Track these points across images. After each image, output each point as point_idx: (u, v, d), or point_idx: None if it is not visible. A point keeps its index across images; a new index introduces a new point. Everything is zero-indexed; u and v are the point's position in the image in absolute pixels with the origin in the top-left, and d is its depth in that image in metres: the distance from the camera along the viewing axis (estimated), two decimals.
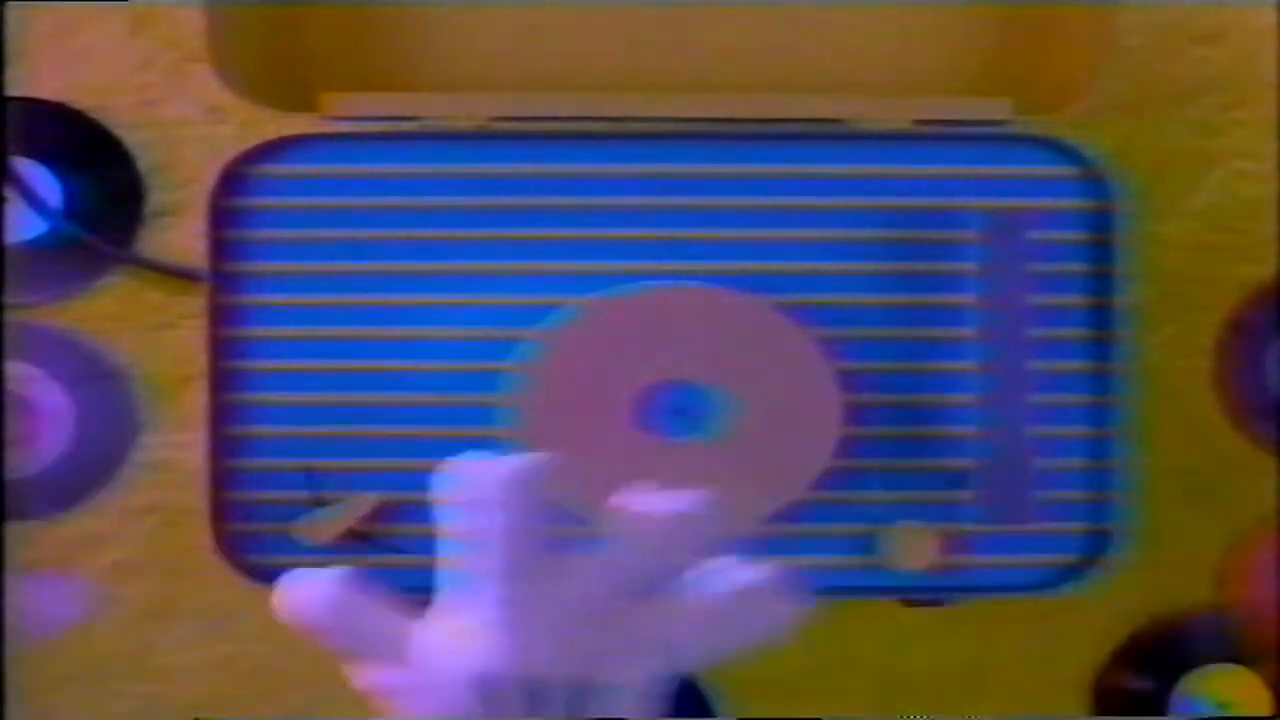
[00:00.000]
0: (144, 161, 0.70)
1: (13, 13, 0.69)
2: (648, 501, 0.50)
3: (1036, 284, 0.62)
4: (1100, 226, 0.63)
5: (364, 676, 0.50)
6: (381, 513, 0.62)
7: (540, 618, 0.48)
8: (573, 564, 0.49)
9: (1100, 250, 0.63)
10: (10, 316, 0.70)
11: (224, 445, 0.62)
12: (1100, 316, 0.63)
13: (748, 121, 0.63)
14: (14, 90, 0.70)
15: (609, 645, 0.48)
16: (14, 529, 0.70)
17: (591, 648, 0.48)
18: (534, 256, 0.62)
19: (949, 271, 0.62)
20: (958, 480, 0.62)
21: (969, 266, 0.62)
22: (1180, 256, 0.71)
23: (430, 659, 0.48)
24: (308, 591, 0.50)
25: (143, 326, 0.70)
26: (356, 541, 0.62)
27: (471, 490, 0.49)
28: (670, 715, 0.70)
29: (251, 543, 0.62)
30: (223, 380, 0.62)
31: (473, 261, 0.62)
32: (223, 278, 0.62)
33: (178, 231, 0.70)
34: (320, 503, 0.62)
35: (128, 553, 0.70)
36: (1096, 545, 0.63)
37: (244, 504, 0.62)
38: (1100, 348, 0.63)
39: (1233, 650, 0.71)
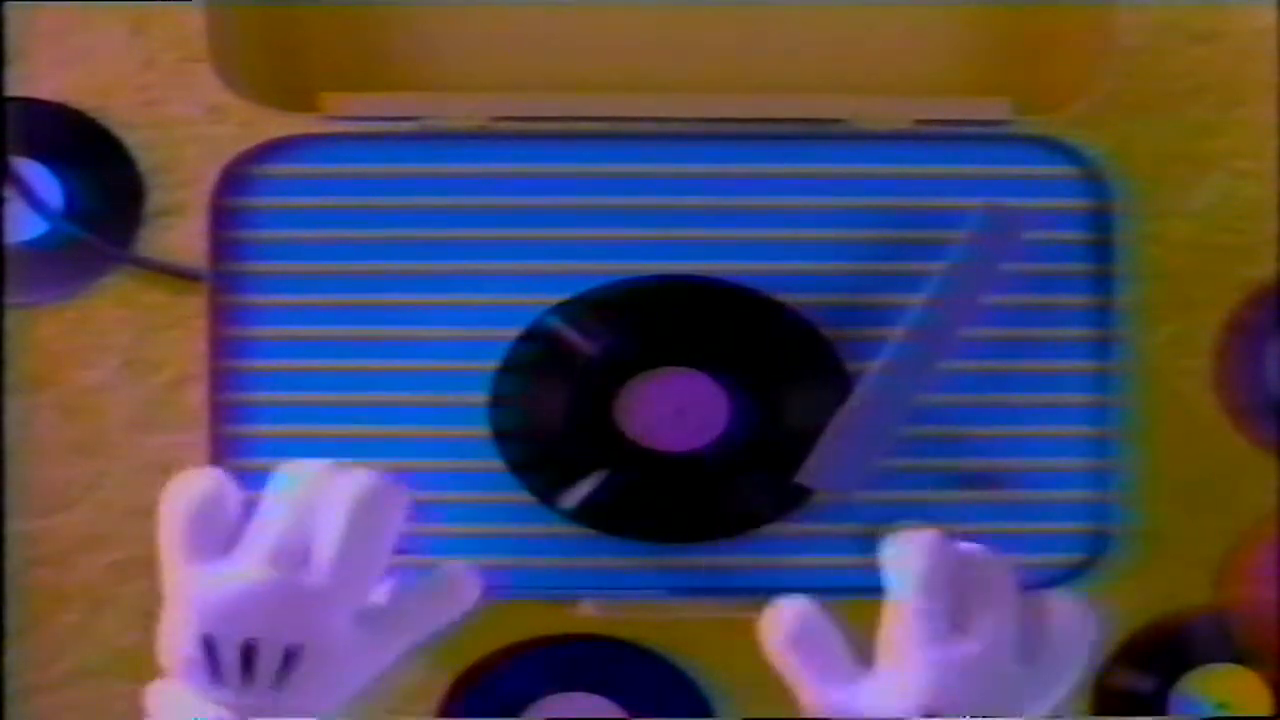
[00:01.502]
0: (144, 161, 0.70)
1: (13, 13, 0.69)
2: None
3: (1001, 283, 0.62)
4: (1100, 226, 0.63)
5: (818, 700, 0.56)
6: None
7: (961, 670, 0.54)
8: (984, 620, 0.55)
9: (1100, 250, 0.63)
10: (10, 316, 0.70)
11: (224, 445, 0.62)
12: (1100, 316, 0.63)
13: (748, 121, 0.63)
14: (14, 90, 0.70)
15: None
16: (14, 528, 0.70)
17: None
18: (533, 257, 0.62)
19: None
20: (958, 480, 0.62)
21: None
22: (1180, 256, 0.71)
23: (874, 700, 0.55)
24: (782, 616, 0.57)
25: (143, 326, 0.70)
26: None
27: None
28: (670, 716, 0.70)
29: None
30: (223, 380, 0.62)
31: (472, 262, 0.62)
32: (223, 278, 0.62)
33: (178, 231, 0.70)
34: None
35: (128, 553, 0.70)
36: (1096, 545, 0.63)
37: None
38: (1100, 348, 0.63)
39: (1233, 650, 0.71)
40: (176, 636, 0.53)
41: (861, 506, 0.62)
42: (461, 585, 0.58)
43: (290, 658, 0.52)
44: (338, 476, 0.55)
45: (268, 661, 0.52)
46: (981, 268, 0.61)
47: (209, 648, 0.52)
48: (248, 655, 0.51)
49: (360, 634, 0.54)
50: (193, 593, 0.53)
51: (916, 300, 0.61)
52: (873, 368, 0.61)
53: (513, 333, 0.62)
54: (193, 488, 0.55)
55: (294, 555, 0.53)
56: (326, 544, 0.53)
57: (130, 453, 0.70)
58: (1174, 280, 0.70)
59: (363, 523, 0.53)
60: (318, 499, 0.54)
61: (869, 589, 0.62)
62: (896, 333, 0.61)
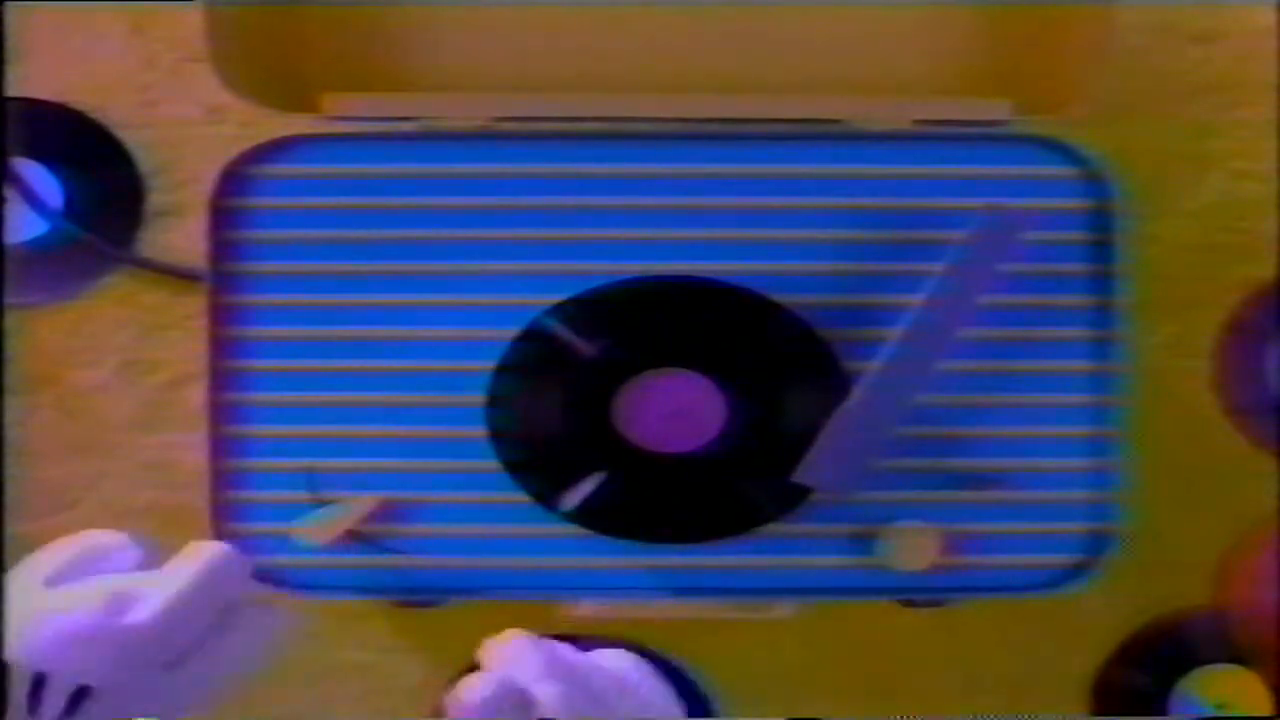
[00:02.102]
0: (144, 161, 0.70)
1: (13, 13, 0.69)
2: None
3: (999, 284, 0.62)
4: (1100, 226, 0.63)
5: None
6: (381, 513, 0.62)
7: None
8: None
9: (1100, 250, 0.63)
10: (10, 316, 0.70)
11: (224, 445, 0.62)
12: (1100, 316, 0.63)
13: (748, 121, 0.63)
14: (14, 90, 0.70)
15: None
16: (14, 529, 0.70)
17: None
18: (534, 257, 0.62)
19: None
20: (958, 480, 0.62)
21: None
22: (1180, 256, 0.71)
23: None
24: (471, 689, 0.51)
25: (143, 326, 0.70)
26: (356, 541, 0.62)
27: None
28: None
29: (251, 543, 0.62)
30: (223, 380, 0.62)
31: (472, 262, 0.62)
32: (223, 278, 0.62)
33: (178, 231, 0.70)
34: (320, 503, 0.62)
35: None
36: (1096, 545, 0.63)
37: (244, 504, 0.62)
38: (1100, 348, 0.63)
39: (1233, 650, 0.71)
40: None
41: (861, 506, 0.62)
42: (268, 626, 0.53)
43: (77, 699, 0.48)
44: (200, 546, 0.52)
45: (53, 699, 0.47)
46: (981, 268, 0.61)
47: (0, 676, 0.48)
48: (35, 690, 0.47)
49: (161, 680, 0.50)
50: (14, 615, 0.50)
51: (915, 300, 0.61)
52: (871, 368, 0.61)
53: (512, 333, 0.62)
54: (96, 535, 0.53)
55: (124, 602, 0.50)
56: (157, 593, 0.50)
57: (130, 453, 0.70)
58: (1174, 280, 0.70)
59: (197, 580, 0.51)
60: (175, 562, 0.52)
61: (868, 589, 0.63)
62: (895, 333, 0.61)
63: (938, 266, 0.61)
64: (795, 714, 0.70)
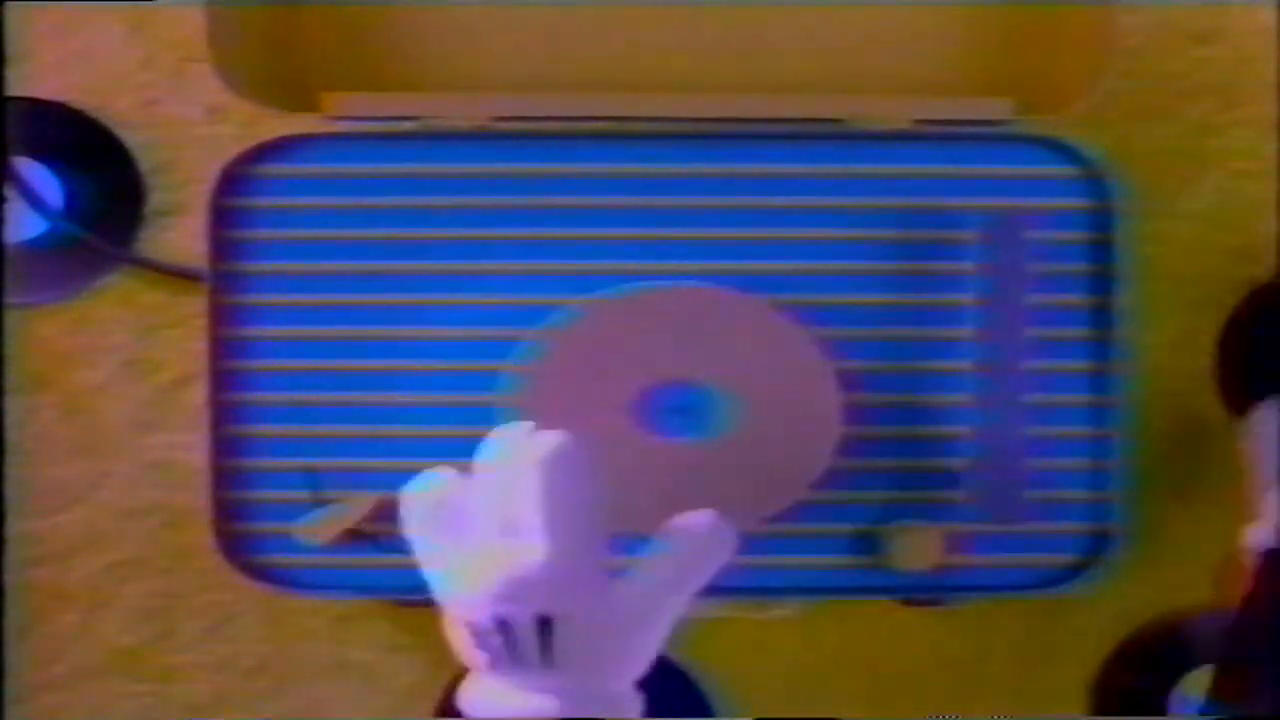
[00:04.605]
0: (144, 161, 0.71)
1: (13, 13, 0.69)
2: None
3: (1035, 284, 0.62)
4: (1100, 226, 0.63)
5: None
6: (381, 513, 0.62)
7: None
8: None
9: (1100, 250, 0.63)
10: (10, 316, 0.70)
11: (224, 445, 0.62)
12: (1100, 316, 0.63)
13: (748, 121, 0.63)
14: (14, 90, 0.70)
15: None
16: (14, 529, 0.70)
17: None
18: (534, 256, 0.62)
19: (949, 271, 0.62)
20: (958, 480, 0.62)
21: (968, 266, 0.62)
22: (1180, 256, 0.71)
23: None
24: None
25: (143, 326, 0.70)
26: (356, 541, 0.62)
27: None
28: (670, 716, 0.70)
29: (251, 543, 0.62)
30: (223, 380, 0.62)
31: (472, 261, 0.62)
32: (223, 278, 0.62)
33: (178, 231, 0.70)
34: (320, 503, 0.62)
35: (128, 553, 0.70)
36: (1096, 545, 0.63)
37: (244, 504, 0.62)
38: (1100, 348, 0.63)
39: None
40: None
41: (862, 506, 0.62)
42: (717, 537, 0.55)
43: (543, 629, 0.51)
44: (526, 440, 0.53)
45: (524, 633, 0.50)
46: (1015, 270, 0.61)
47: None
48: (505, 631, 0.51)
49: (616, 599, 0.52)
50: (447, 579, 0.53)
51: (970, 333, 0.62)
52: (967, 401, 0.62)
53: (512, 332, 0.62)
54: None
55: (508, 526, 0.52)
56: (535, 521, 0.51)
57: (130, 453, 0.70)
58: (1174, 280, 0.70)
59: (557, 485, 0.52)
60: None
61: (868, 589, 0.63)
62: (967, 366, 0.62)
63: (937, 266, 0.61)
64: (795, 714, 0.70)
